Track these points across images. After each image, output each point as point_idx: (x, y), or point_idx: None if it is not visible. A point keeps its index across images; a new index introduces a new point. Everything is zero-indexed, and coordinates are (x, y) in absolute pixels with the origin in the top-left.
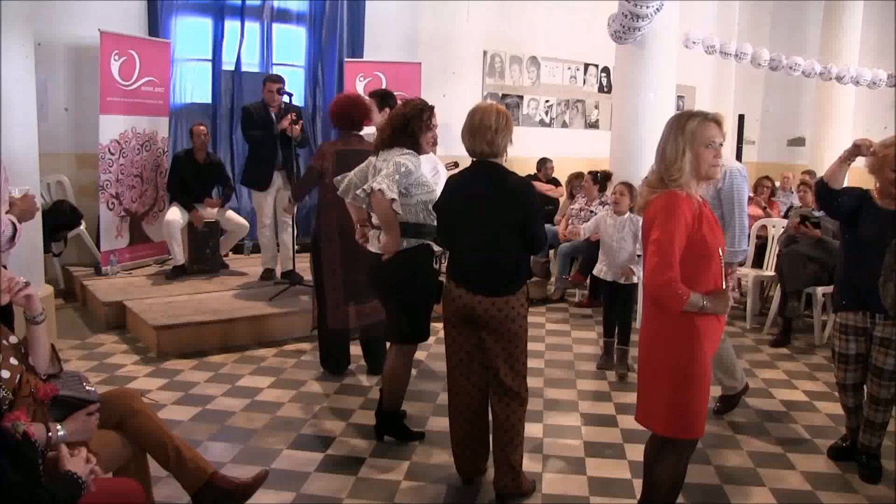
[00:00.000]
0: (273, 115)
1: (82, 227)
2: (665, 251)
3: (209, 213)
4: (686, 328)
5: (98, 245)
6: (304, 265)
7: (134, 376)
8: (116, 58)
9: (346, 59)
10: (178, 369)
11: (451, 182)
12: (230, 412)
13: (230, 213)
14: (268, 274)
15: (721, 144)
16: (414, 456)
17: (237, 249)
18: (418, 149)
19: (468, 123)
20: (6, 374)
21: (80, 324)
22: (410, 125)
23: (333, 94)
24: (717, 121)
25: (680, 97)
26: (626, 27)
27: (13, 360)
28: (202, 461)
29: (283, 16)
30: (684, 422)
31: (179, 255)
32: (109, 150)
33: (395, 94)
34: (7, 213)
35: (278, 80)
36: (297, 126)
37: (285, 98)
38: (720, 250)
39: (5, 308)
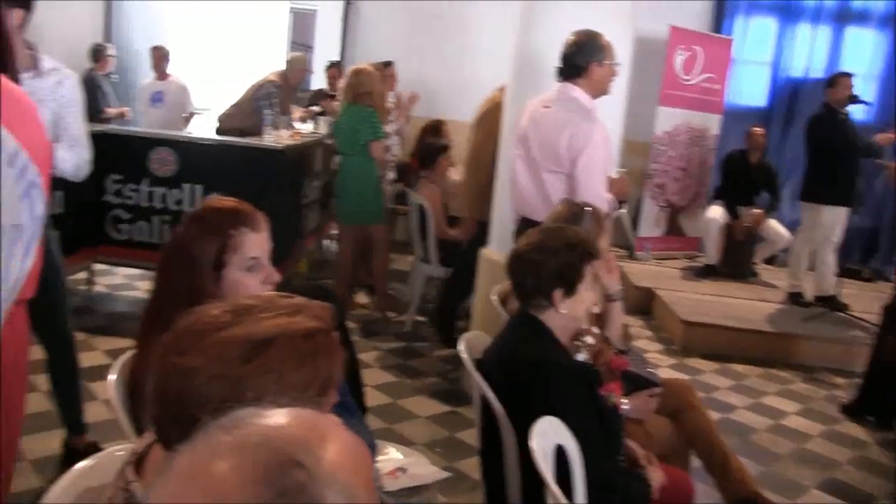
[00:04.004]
0: (848, 122)
1: (623, 210)
2: None
3: (751, 218)
4: None
5: (635, 230)
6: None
7: (657, 364)
8: (681, 52)
9: None
10: (699, 369)
11: None
12: (753, 428)
13: (772, 222)
14: (795, 298)
15: None
16: None
17: (770, 260)
18: None
19: None
20: (590, 339)
21: None
22: None
23: None
24: None
25: None
26: None
27: (595, 329)
28: (748, 475)
29: (858, 18)
30: None
31: (713, 254)
32: (662, 141)
33: None
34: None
35: (852, 76)
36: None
37: (859, 106)
38: None
39: None
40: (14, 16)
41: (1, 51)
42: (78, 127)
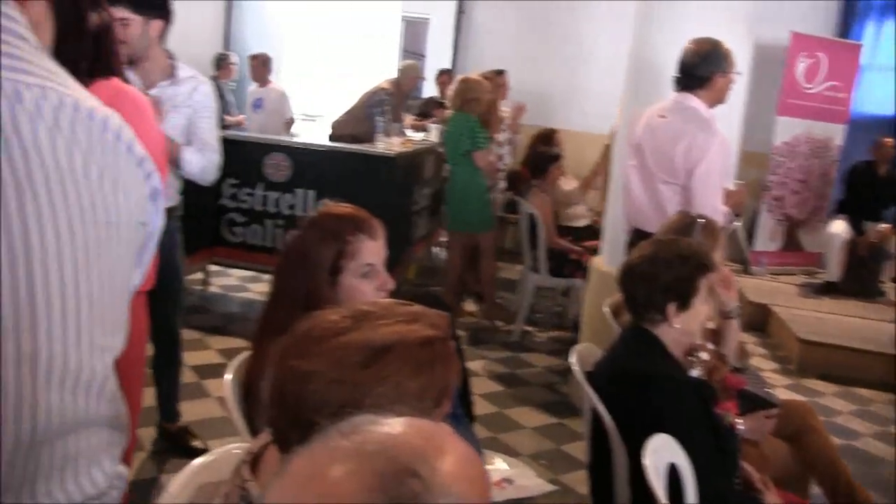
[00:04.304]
0: None
1: (738, 223)
2: None
3: (877, 234)
4: None
5: (750, 244)
6: None
7: (773, 384)
8: (803, 59)
9: None
10: (818, 391)
11: None
12: (881, 458)
13: None
14: None
15: None
16: None
17: None
18: None
19: None
20: (705, 355)
21: None
22: None
23: None
24: None
25: None
26: None
27: (710, 345)
28: None
29: None
30: None
31: (834, 270)
32: (780, 152)
33: None
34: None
35: None
36: None
37: None
38: None
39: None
40: (153, 27)
41: (109, 56)
42: (208, 132)
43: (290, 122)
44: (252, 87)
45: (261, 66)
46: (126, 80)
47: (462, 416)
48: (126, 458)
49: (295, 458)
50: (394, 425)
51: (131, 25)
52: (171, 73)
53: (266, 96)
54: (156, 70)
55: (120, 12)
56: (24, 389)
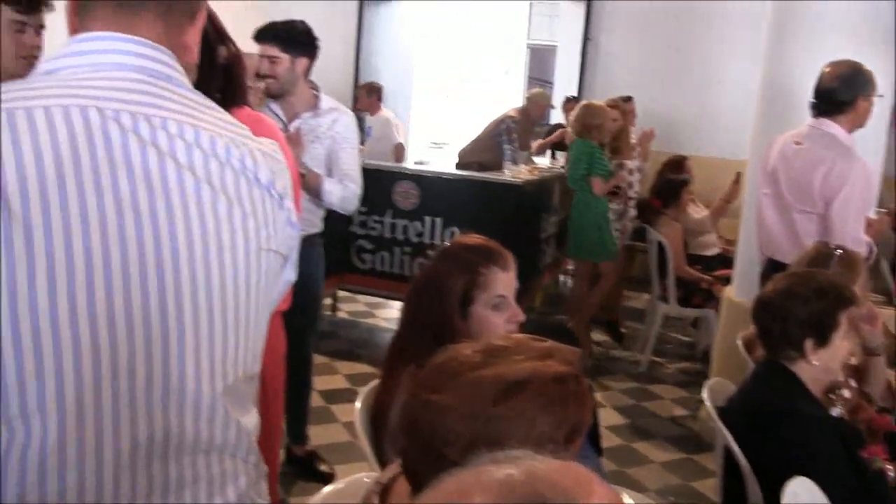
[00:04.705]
0: None
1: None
2: None
3: None
4: None
5: (893, 275)
6: None
7: None
8: None
9: None
10: None
11: None
12: None
13: None
14: None
15: None
16: None
17: None
18: None
19: None
20: (847, 393)
21: None
22: None
23: None
24: None
25: None
26: None
27: (853, 383)
28: None
29: None
30: None
31: None
32: None
33: None
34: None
35: None
36: None
37: None
38: None
39: None
40: (299, 64)
41: (237, 87)
42: (348, 163)
43: (399, 147)
44: (368, 117)
45: (365, 96)
46: (252, 108)
47: (590, 451)
48: (271, 489)
49: (447, 477)
50: (547, 462)
51: (279, 63)
52: (314, 105)
53: (374, 124)
54: (300, 103)
55: (269, 50)
56: (121, 403)
